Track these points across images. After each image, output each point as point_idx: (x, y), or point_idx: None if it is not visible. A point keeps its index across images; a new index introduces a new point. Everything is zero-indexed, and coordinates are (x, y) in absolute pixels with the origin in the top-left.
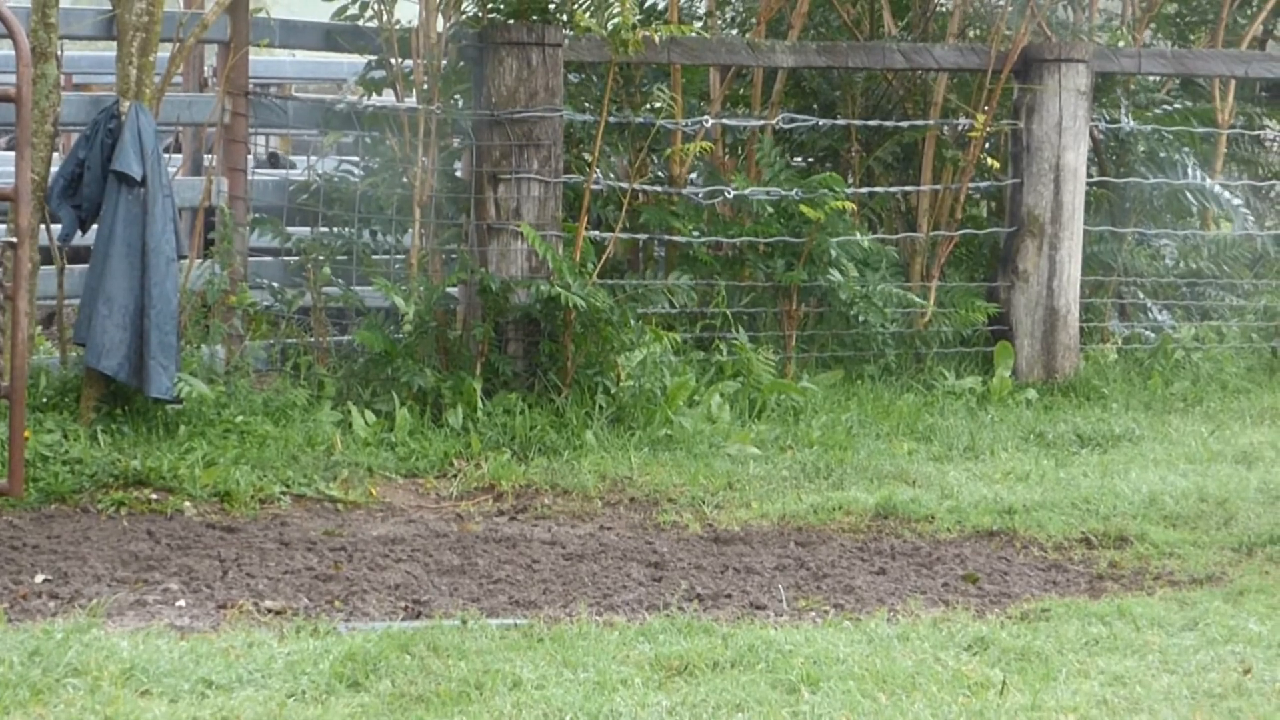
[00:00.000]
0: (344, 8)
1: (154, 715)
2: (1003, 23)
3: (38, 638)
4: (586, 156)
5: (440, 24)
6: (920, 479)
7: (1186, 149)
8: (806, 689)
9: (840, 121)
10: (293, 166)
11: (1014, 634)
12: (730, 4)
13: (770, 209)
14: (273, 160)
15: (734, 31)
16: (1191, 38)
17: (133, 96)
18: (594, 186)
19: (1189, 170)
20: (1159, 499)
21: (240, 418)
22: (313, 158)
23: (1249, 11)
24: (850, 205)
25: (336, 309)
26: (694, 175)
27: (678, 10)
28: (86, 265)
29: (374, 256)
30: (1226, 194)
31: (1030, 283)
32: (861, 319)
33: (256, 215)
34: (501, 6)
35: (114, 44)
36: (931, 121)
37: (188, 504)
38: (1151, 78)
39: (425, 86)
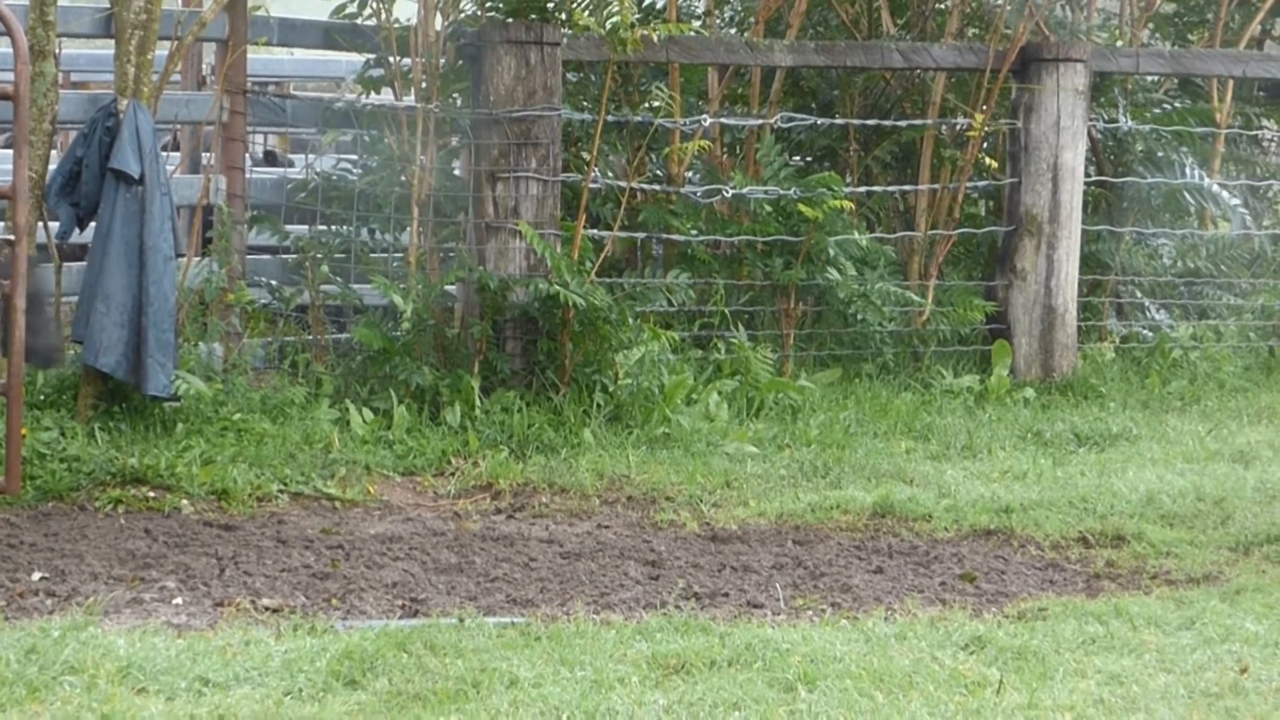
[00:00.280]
0: (342, 6)
1: (151, 713)
2: (1001, 22)
3: (34, 635)
4: (585, 155)
5: (439, 22)
6: (918, 478)
7: (1184, 149)
8: (804, 688)
9: (838, 121)
10: (290, 165)
11: (1011, 633)
12: (729, 3)
13: (769, 208)
14: (269, 159)
15: (732, 31)
16: (1190, 37)
17: (131, 94)
18: (592, 185)
19: (1187, 170)
20: (1156, 498)
21: (238, 415)
22: (311, 156)
23: (1247, 11)
24: (848, 204)
25: (335, 307)
26: (692, 174)
27: (676, 9)
28: (84, 263)
29: (372, 255)
30: (1224, 194)
31: (1028, 282)
32: (859, 318)
33: (255, 213)
34: (500, 5)
35: (112, 42)
36: (930, 121)
37: (185, 502)
38: (1149, 77)
39: (424, 85)
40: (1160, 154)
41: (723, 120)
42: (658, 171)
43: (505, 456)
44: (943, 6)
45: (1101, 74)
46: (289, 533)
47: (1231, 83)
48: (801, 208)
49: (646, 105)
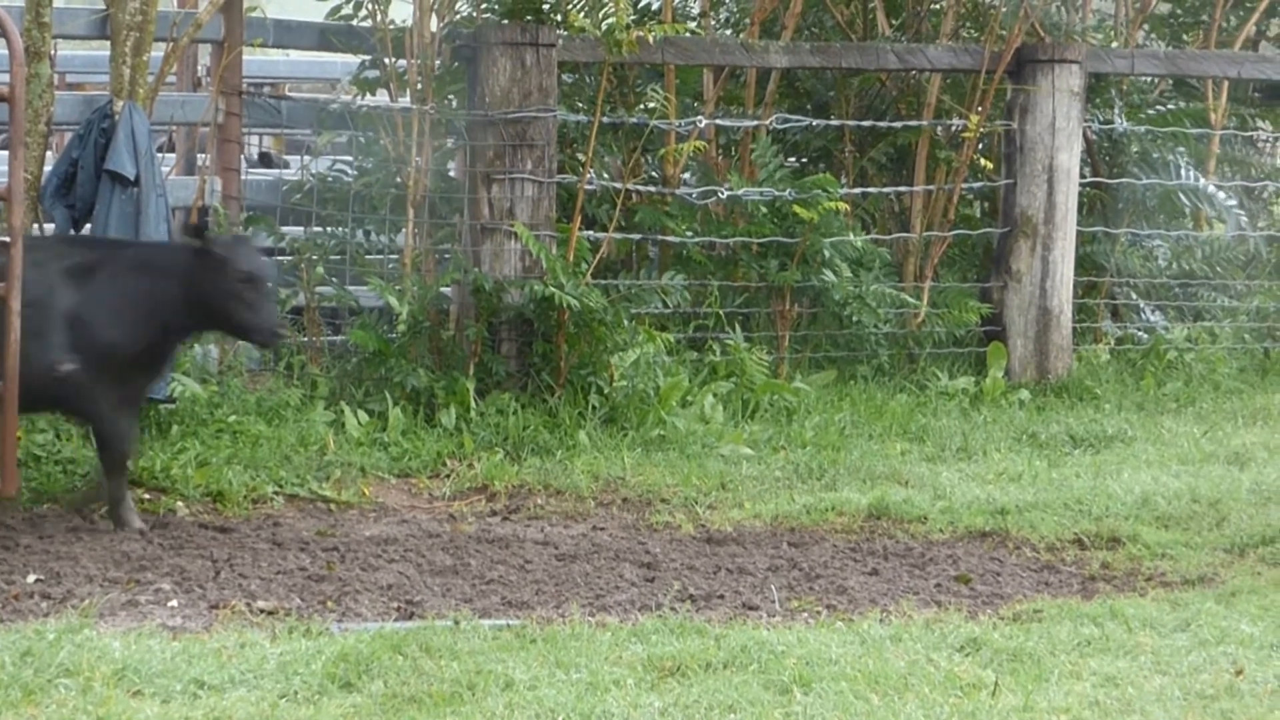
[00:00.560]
0: (338, 7)
1: (146, 716)
2: (996, 23)
3: (30, 638)
4: (580, 156)
5: (434, 24)
6: (913, 480)
7: (1179, 150)
8: (799, 690)
9: (834, 122)
10: (285, 166)
11: (1006, 635)
12: (724, 4)
13: (764, 209)
14: (264, 160)
15: (728, 32)
16: (1185, 38)
17: (126, 96)
18: (588, 186)
19: (1182, 171)
20: (1151, 500)
21: (233, 418)
22: (306, 157)
23: (1242, 13)
24: (844, 206)
25: (330, 309)
26: (688, 175)
27: (672, 10)
28: None
29: (368, 256)
30: (1220, 195)
31: (1023, 283)
32: (855, 319)
33: (250, 214)
34: (496, 6)
35: (108, 43)
36: (925, 122)
37: (180, 504)
38: (1145, 79)
39: (419, 86)
40: (1155, 155)
41: (718, 121)
42: (653, 173)
43: (500, 458)
44: (938, 8)
45: (1097, 75)
46: (284, 535)
47: (1226, 84)
48: (797, 209)
49: (642, 106)
